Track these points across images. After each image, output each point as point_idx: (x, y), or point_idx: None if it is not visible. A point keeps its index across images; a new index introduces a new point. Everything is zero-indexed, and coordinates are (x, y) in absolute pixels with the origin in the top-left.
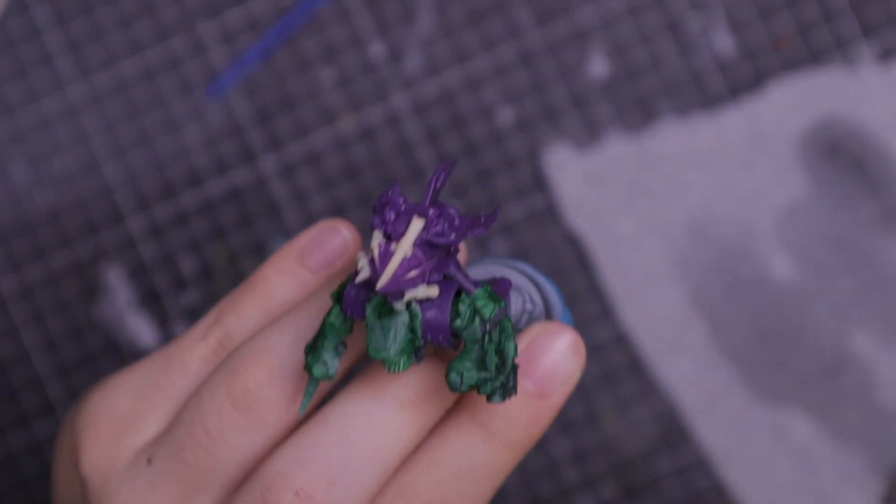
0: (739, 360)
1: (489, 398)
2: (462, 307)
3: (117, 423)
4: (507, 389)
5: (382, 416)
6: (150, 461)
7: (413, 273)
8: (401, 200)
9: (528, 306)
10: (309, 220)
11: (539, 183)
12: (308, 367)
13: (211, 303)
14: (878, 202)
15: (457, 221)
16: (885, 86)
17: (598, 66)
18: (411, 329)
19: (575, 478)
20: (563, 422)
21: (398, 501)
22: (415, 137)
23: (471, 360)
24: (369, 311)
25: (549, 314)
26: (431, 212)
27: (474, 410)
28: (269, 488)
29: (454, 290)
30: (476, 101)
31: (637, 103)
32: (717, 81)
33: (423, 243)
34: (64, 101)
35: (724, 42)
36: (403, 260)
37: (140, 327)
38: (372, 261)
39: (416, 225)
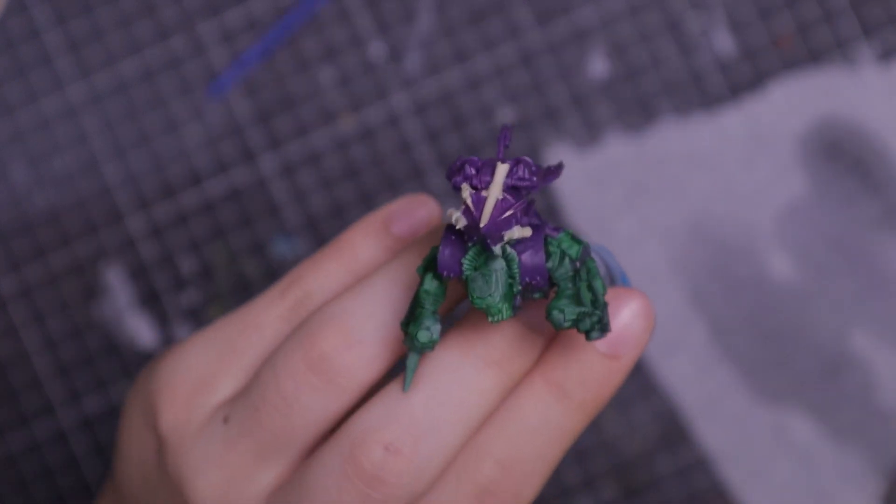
0: (739, 360)
1: (588, 335)
2: (551, 249)
3: (194, 383)
4: (604, 325)
5: (469, 374)
6: (226, 420)
7: (508, 213)
8: (476, 158)
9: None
10: (309, 220)
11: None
12: (412, 337)
13: (211, 303)
14: (878, 202)
15: (534, 168)
16: (885, 86)
17: (598, 66)
18: (510, 274)
19: (575, 478)
20: None
21: (472, 460)
22: (415, 137)
23: (567, 297)
24: (466, 264)
25: (610, 278)
26: (510, 161)
27: (548, 372)
28: (357, 443)
29: (542, 232)
30: (476, 101)
31: (637, 103)
32: (717, 81)
33: (508, 188)
34: (64, 101)
35: (724, 42)
36: (497, 202)
37: (140, 327)
38: (466, 210)
39: (502, 169)
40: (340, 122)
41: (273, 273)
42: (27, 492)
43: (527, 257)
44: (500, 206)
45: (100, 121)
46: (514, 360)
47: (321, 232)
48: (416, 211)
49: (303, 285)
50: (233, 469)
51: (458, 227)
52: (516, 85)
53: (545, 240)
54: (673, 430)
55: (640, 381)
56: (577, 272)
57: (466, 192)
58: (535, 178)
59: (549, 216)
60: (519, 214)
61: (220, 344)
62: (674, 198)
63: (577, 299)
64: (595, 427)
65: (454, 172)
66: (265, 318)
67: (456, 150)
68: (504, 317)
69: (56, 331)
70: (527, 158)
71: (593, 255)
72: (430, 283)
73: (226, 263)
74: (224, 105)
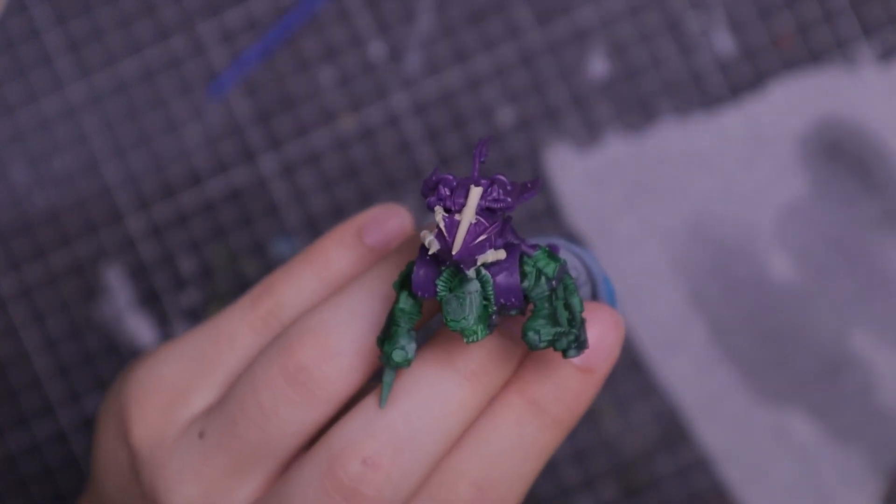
0: (739, 360)
1: (565, 353)
2: (527, 269)
3: (166, 395)
4: (581, 343)
5: (447, 387)
6: (201, 434)
7: (481, 238)
8: (451, 178)
9: (574, 273)
10: (309, 220)
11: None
12: (387, 356)
13: (211, 303)
14: (878, 202)
15: (509, 187)
16: (885, 86)
17: (598, 66)
18: (484, 296)
19: (575, 478)
20: None
21: (448, 482)
22: (415, 137)
23: (543, 317)
24: (440, 285)
25: (592, 282)
26: (484, 181)
27: (524, 388)
28: (336, 457)
29: (518, 252)
30: (476, 101)
31: (637, 103)
32: (717, 81)
33: (482, 210)
34: (64, 101)
35: (724, 42)
36: (470, 227)
37: (140, 327)
38: (439, 234)
39: (476, 192)
40: (340, 122)
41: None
42: (27, 492)
43: (501, 279)
44: (474, 231)
45: (100, 121)
46: (491, 373)
47: (321, 232)
48: (389, 221)
49: (275, 295)
50: (209, 483)
51: (430, 252)
52: (516, 85)
53: (521, 259)
54: (673, 430)
55: (640, 381)
56: (553, 291)
57: (439, 215)
58: (509, 199)
59: (549, 216)
60: (493, 237)
61: (191, 355)
62: (674, 198)
63: (553, 318)
64: (595, 427)
65: (428, 191)
66: (237, 328)
67: (456, 150)
68: (479, 338)
69: (56, 331)
70: (501, 177)
71: (573, 256)
72: (406, 302)
73: (226, 263)
74: (224, 105)
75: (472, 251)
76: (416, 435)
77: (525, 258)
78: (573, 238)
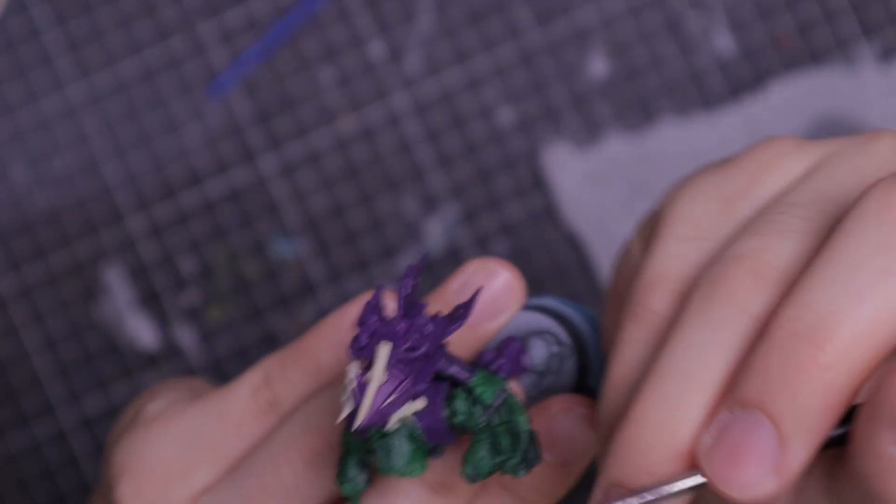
0: None
1: (515, 474)
2: (458, 403)
3: (163, 474)
4: (529, 461)
5: (417, 501)
6: None
7: (392, 397)
8: (373, 321)
9: (555, 349)
10: (309, 220)
11: (538, 183)
12: (340, 487)
13: (211, 303)
14: None
15: (429, 327)
16: (885, 86)
17: (598, 66)
18: (413, 438)
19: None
20: None
21: None
22: (415, 137)
23: (482, 449)
24: (371, 431)
25: (581, 350)
26: (400, 327)
27: (502, 479)
28: None
29: (445, 388)
30: (476, 101)
31: (637, 103)
32: (717, 81)
33: (397, 363)
34: (64, 101)
35: (724, 42)
36: (379, 388)
37: (140, 327)
38: (353, 392)
39: (383, 352)
40: (340, 122)
41: (273, 273)
42: (27, 492)
43: (425, 424)
44: (384, 392)
45: (100, 121)
46: (461, 481)
47: (321, 232)
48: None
49: (273, 389)
50: None
51: (340, 419)
52: (516, 85)
53: (452, 392)
54: None
55: None
56: (492, 417)
57: (352, 373)
58: (427, 345)
59: (549, 216)
60: (409, 389)
61: (191, 436)
62: None
63: (494, 447)
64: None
65: (359, 327)
66: (243, 416)
67: (456, 149)
68: (418, 474)
69: (56, 331)
70: (421, 318)
71: (559, 326)
72: (353, 435)
73: (226, 263)
74: (224, 105)
75: (383, 413)
76: None
77: (457, 391)
78: (571, 297)
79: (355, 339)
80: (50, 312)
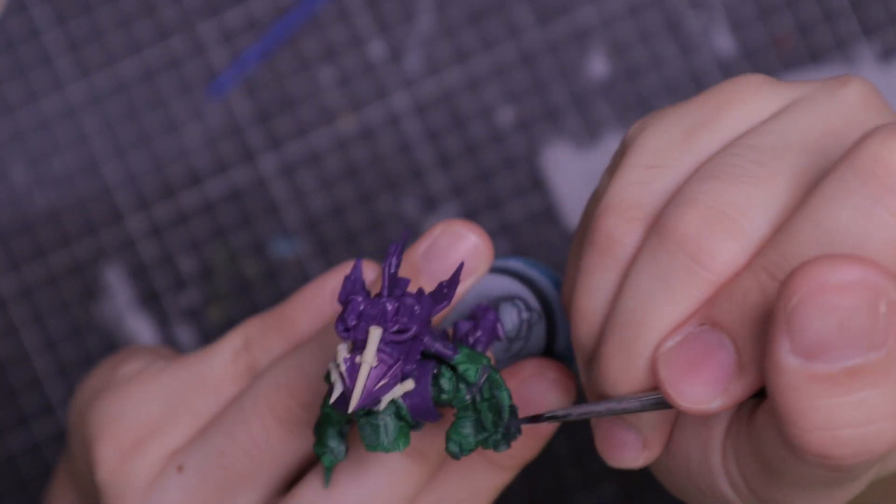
0: None
1: (496, 449)
2: (444, 381)
3: (139, 432)
4: (511, 435)
5: (394, 465)
6: (180, 468)
7: (384, 381)
8: (359, 301)
9: (525, 315)
10: (309, 220)
11: (538, 183)
12: (319, 457)
13: (211, 303)
14: None
15: (417, 308)
16: (885, 86)
17: (598, 66)
18: (399, 417)
19: (575, 477)
20: (564, 423)
21: None
22: (415, 137)
23: (466, 426)
24: (360, 411)
25: (549, 314)
26: (389, 307)
27: None
28: None
29: (432, 366)
30: (476, 101)
31: (637, 103)
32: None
33: (387, 344)
34: (64, 101)
35: (724, 42)
36: (371, 371)
37: (140, 327)
38: (342, 375)
39: (374, 335)
40: (340, 122)
41: (273, 273)
42: (27, 492)
43: (413, 402)
44: (375, 374)
45: (100, 121)
46: (436, 443)
47: (321, 232)
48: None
49: (252, 353)
50: None
51: (332, 400)
52: (516, 85)
53: (439, 370)
54: None
55: None
56: (476, 395)
57: (341, 355)
58: (415, 326)
59: (549, 216)
60: (398, 373)
61: (170, 395)
62: None
63: (478, 424)
64: None
65: (344, 307)
66: (222, 379)
67: (456, 149)
68: (401, 449)
69: (56, 331)
70: (409, 298)
71: (528, 291)
72: (330, 407)
73: (226, 263)
74: (224, 105)
75: (375, 395)
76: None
77: (443, 368)
78: (534, 257)
79: (342, 320)
80: (50, 312)
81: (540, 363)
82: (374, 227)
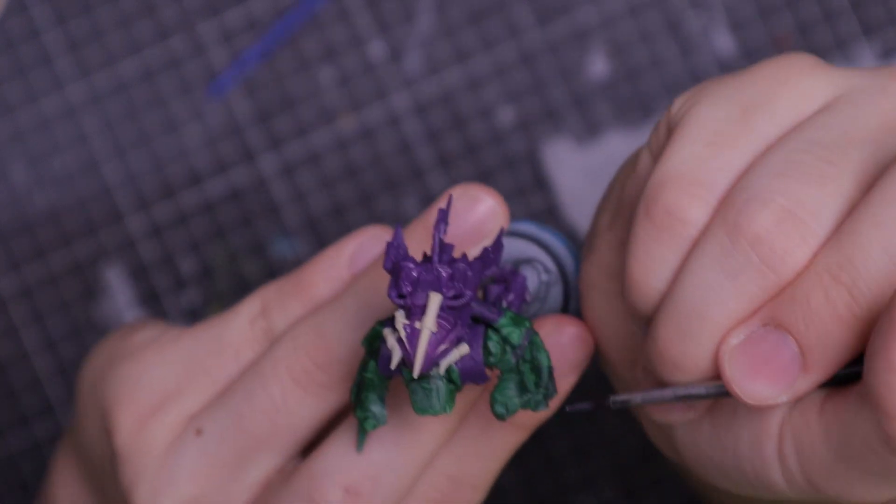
0: None
1: (536, 409)
2: (492, 344)
3: (157, 397)
4: (549, 395)
5: (417, 427)
6: (199, 432)
7: (443, 346)
8: (411, 266)
9: (544, 277)
10: (309, 220)
11: (539, 182)
12: (360, 421)
13: (211, 303)
14: None
15: (469, 273)
16: None
17: (598, 66)
18: (450, 380)
19: (575, 477)
20: (563, 419)
21: (425, 480)
22: (415, 137)
23: (510, 387)
24: (406, 373)
25: (564, 276)
26: (444, 274)
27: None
28: (316, 486)
29: (482, 331)
30: (476, 101)
31: (637, 103)
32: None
33: (443, 310)
34: (63, 101)
35: (724, 42)
36: (430, 337)
37: None
38: (400, 340)
39: (434, 301)
40: (340, 122)
41: (273, 273)
42: (27, 492)
43: (465, 365)
44: (435, 340)
45: (100, 121)
46: (460, 404)
47: (321, 232)
48: (372, 248)
49: (269, 319)
50: (207, 479)
51: (393, 365)
52: (516, 85)
53: (486, 333)
54: None
55: None
56: (519, 357)
57: (400, 322)
58: (470, 292)
59: (550, 216)
60: (455, 337)
61: (187, 361)
62: None
63: (521, 385)
64: (595, 427)
65: (391, 275)
66: (241, 343)
67: (456, 149)
68: (448, 412)
69: (56, 331)
70: (461, 263)
71: (544, 253)
72: (374, 372)
73: (226, 263)
74: (224, 105)
75: (435, 359)
76: (394, 464)
77: (490, 332)
78: (547, 223)
79: (396, 286)
80: (50, 312)
81: (560, 318)
82: None
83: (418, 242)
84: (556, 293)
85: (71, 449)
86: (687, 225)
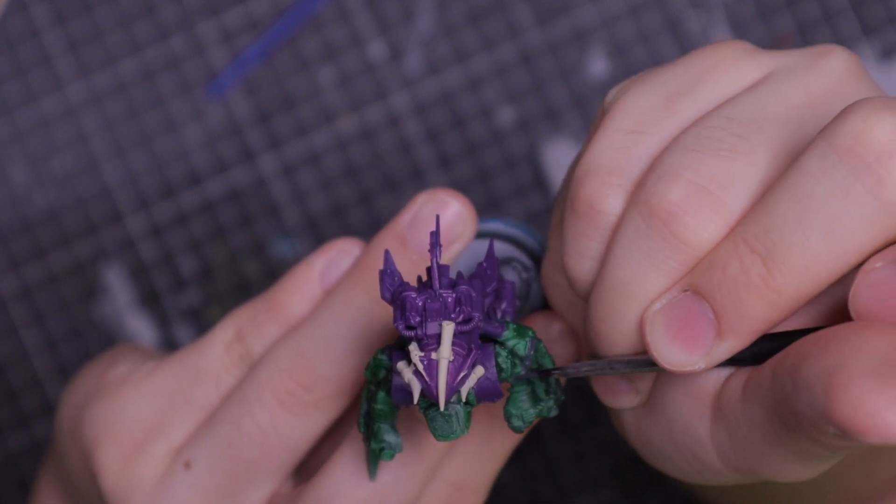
0: None
1: (548, 416)
2: (501, 360)
3: (140, 433)
4: (558, 400)
5: (419, 441)
6: (188, 464)
7: (463, 373)
8: (414, 296)
9: (524, 275)
10: (309, 220)
11: (539, 183)
12: (376, 454)
13: (211, 303)
14: None
15: (473, 294)
16: (885, 86)
17: (598, 66)
18: (467, 402)
19: (575, 478)
20: (563, 422)
21: (429, 490)
22: (415, 137)
23: (523, 399)
24: (422, 402)
25: (538, 267)
26: (450, 300)
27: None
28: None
29: (492, 349)
30: (476, 101)
31: None
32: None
33: (456, 336)
34: (63, 101)
35: None
36: (450, 367)
37: (140, 327)
38: (418, 373)
39: (448, 331)
40: (340, 122)
41: (273, 273)
42: (27, 492)
43: (481, 385)
44: (453, 370)
45: (100, 121)
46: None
47: (321, 232)
48: (342, 262)
49: (245, 343)
50: None
51: (416, 400)
52: (516, 85)
53: (495, 350)
54: None
55: None
56: (527, 367)
57: (416, 355)
58: (477, 314)
59: (549, 216)
60: (472, 362)
61: (167, 393)
62: None
63: (533, 396)
64: (595, 427)
65: (395, 307)
66: (218, 370)
67: (456, 149)
68: (467, 433)
69: (56, 331)
70: (463, 285)
71: (520, 252)
72: (385, 402)
73: (226, 263)
74: (224, 105)
75: (456, 388)
76: (400, 484)
77: (498, 348)
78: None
79: (402, 317)
80: (50, 312)
81: (547, 314)
82: (374, 227)
83: (393, 254)
84: (536, 289)
85: (54, 483)
86: (605, 214)
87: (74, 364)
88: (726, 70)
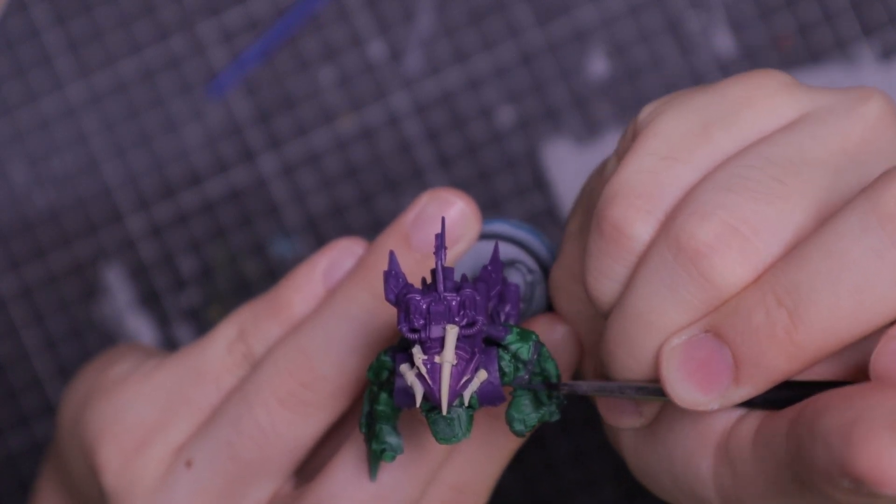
0: None
1: (550, 420)
2: (504, 364)
3: (141, 432)
4: (560, 404)
5: (422, 443)
6: (189, 464)
7: (466, 377)
8: (418, 298)
9: (529, 277)
10: (309, 220)
11: (539, 182)
12: (377, 455)
13: (211, 303)
14: None
15: (477, 297)
16: (885, 86)
17: (598, 66)
18: (469, 405)
19: (575, 478)
20: (563, 422)
21: (429, 492)
22: (415, 137)
23: (525, 403)
24: (425, 405)
25: (546, 274)
26: (454, 304)
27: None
28: None
29: (495, 353)
30: (476, 101)
31: (637, 103)
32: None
33: (460, 340)
34: (63, 101)
35: (724, 42)
36: (452, 370)
37: (140, 327)
38: (421, 376)
39: (452, 335)
40: (340, 122)
41: (273, 273)
42: (27, 492)
43: (484, 389)
44: (456, 374)
45: (100, 121)
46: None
47: (321, 232)
48: (345, 261)
49: (247, 342)
50: None
51: (419, 403)
52: (516, 85)
53: (498, 353)
54: None
55: None
56: (530, 371)
57: (419, 358)
58: (481, 318)
59: (550, 216)
60: (476, 366)
61: (167, 392)
62: None
63: (535, 400)
64: (595, 427)
65: (400, 309)
66: (221, 371)
67: (456, 149)
68: (469, 436)
69: (56, 331)
70: (467, 289)
71: (525, 254)
72: (387, 404)
73: (226, 263)
74: (224, 105)
75: (459, 391)
76: (401, 485)
77: (501, 353)
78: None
79: (407, 320)
80: (50, 312)
81: (551, 316)
82: (374, 227)
83: (396, 252)
84: (540, 292)
85: (54, 482)
86: (631, 240)
87: (74, 364)
88: (763, 103)
